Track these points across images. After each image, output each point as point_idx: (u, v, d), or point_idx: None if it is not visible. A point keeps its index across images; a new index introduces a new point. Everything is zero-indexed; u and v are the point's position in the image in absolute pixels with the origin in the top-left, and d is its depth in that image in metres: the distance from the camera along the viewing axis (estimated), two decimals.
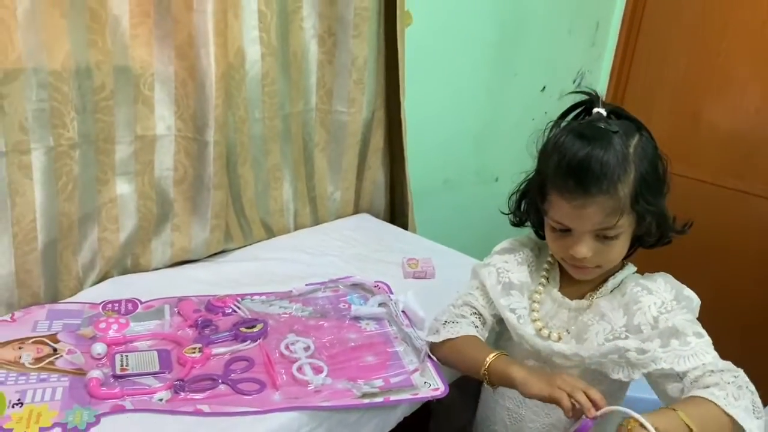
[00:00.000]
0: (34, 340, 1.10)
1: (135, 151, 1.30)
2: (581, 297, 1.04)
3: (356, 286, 1.34)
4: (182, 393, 0.99)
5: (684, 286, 1.01)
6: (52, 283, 1.23)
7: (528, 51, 2.21)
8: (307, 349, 1.11)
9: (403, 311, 1.23)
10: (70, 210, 1.21)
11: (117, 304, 1.22)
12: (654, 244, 1.03)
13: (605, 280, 1.03)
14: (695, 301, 0.99)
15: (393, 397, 1.03)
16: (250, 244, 1.53)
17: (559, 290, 1.06)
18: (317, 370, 1.06)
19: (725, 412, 0.87)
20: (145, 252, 1.37)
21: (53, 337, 1.11)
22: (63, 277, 1.25)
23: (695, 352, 0.94)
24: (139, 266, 1.37)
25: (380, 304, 1.25)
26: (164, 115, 1.31)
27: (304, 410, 0.98)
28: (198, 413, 0.96)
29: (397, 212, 1.83)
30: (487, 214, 2.30)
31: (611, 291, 1.03)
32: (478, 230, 2.31)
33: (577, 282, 1.04)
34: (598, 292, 1.03)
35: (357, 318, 1.22)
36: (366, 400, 1.01)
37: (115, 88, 1.23)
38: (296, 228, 1.65)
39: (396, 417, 1.10)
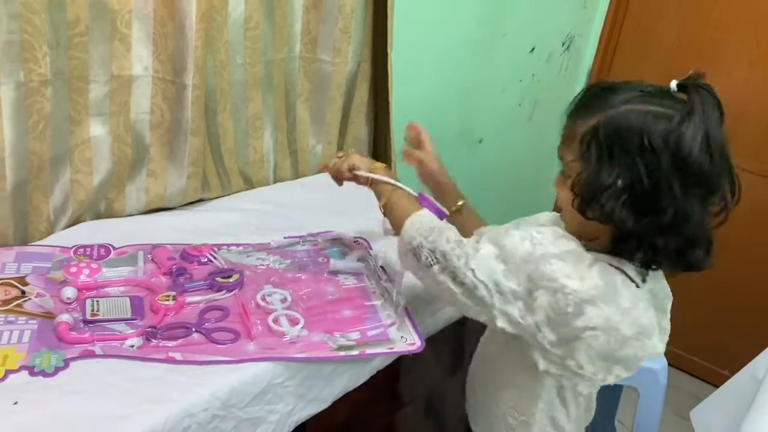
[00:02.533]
0: (1, 282, 1.07)
1: (110, 92, 1.25)
2: None
3: (335, 240, 1.32)
4: (154, 340, 0.97)
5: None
6: (22, 224, 1.19)
7: (518, 11, 2.16)
8: (283, 300, 1.10)
9: (381, 266, 1.21)
10: (41, 149, 1.17)
11: (89, 249, 1.18)
12: (626, 244, 0.90)
13: None
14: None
15: (369, 351, 1.02)
16: (227, 195, 1.50)
17: None
18: (293, 322, 1.05)
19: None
20: (119, 197, 1.33)
21: (22, 280, 1.08)
22: (33, 219, 1.21)
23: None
24: (113, 212, 1.33)
25: (359, 259, 1.24)
26: (141, 55, 1.26)
27: (279, 361, 0.97)
28: (170, 360, 0.94)
29: None
30: (471, 175, 2.30)
31: None
32: (462, 191, 2.30)
33: None
34: None
35: (335, 272, 1.20)
36: (341, 353, 1.00)
37: (91, 23, 1.18)
38: (276, 180, 1.62)
39: (370, 370, 1.10)
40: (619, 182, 0.85)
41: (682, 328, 2.43)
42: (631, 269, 0.91)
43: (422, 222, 0.98)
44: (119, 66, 1.24)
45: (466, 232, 0.99)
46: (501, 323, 0.91)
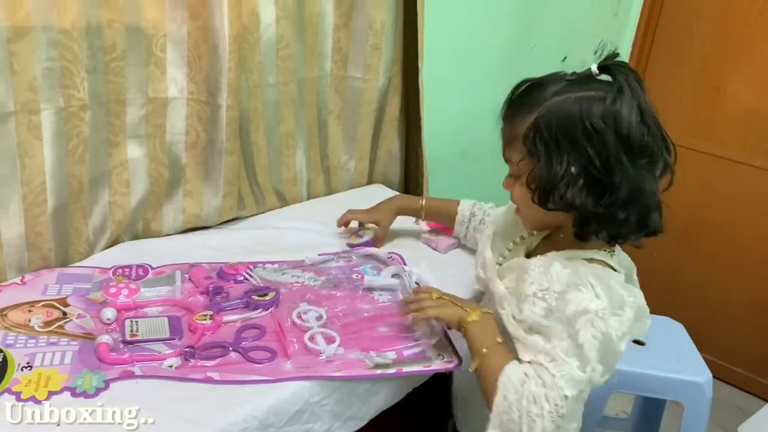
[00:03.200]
0: (43, 303, 1.09)
1: (146, 114, 1.27)
2: None
3: (370, 256, 1.32)
4: (192, 360, 0.98)
5: (597, 294, 0.89)
6: (63, 246, 1.22)
7: (549, 20, 2.15)
8: (319, 318, 1.10)
9: (416, 282, 1.20)
10: (80, 172, 1.19)
11: (128, 270, 1.20)
12: (586, 227, 0.92)
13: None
14: (587, 311, 0.87)
15: (405, 369, 1.01)
16: (262, 213, 1.51)
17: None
18: (329, 340, 1.04)
19: (498, 379, 0.88)
20: (156, 217, 1.35)
21: (63, 301, 1.10)
22: (73, 241, 1.23)
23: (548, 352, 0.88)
24: (150, 232, 1.35)
25: (394, 275, 1.23)
26: (176, 78, 1.28)
27: (316, 380, 0.97)
28: (208, 381, 0.95)
29: (411, 183, 1.80)
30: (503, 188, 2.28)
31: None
32: (495, 203, 2.28)
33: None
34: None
35: (370, 289, 1.20)
36: (378, 371, 1.00)
37: (127, 48, 1.20)
38: (309, 197, 1.62)
39: (406, 387, 1.09)
40: (573, 169, 0.89)
41: (726, 339, 2.37)
42: (606, 257, 0.95)
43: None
44: (155, 89, 1.26)
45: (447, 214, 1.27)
46: (569, 391, 0.86)
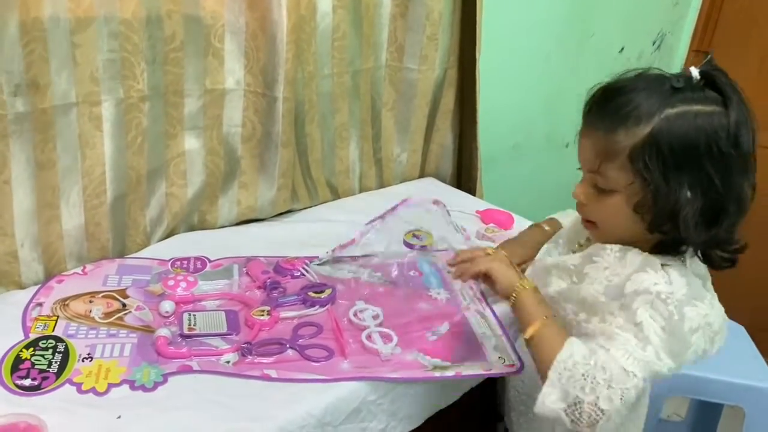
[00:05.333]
0: (104, 294, 1.10)
1: (204, 105, 1.26)
2: None
3: (426, 252, 1.29)
4: (249, 356, 0.98)
5: (668, 287, 0.84)
6: (120, 237, 1.22)
7: (607, 10, 2.08)
8: (376, 317, 1.08)
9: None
10: (138, 164, 1.20)
11: (186, 262, 1.20)
12: (673, 245, 0.88)
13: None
14: (669, 303, 0.83)
15: (465, 372, 0.99)
16: (315, 205, 1.50)
17: None
18: (386, 339, 1.03)
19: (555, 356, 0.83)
20: (212, 209, 1.34)
21: (122, 293, 1.11)
22: (131, 232, 1.24)
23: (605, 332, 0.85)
24: (206, 223, 1.35)
25: (450, 272, 1.20)
26: (234, 69, 1.27)
27: (373, 380, 0.95)
28: (265, 378, 0.94)
29: (464, 177, 1.76)
30: (558, 180, 2.22)
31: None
32: (547, 197, 2.23)
33: None
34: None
35: (427, 286, 1.18)
36: (437, 374, 0.98)
37: (186, 38, 1.19)
38: (361, 190, 1.61)
39: (462, 388, 1.07)
40: (690, 194, 0.82)
41: None
42: (680, 264, 0.88)
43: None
44: (212, 80, 1.25)
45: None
46: (630, 365, 0.82)
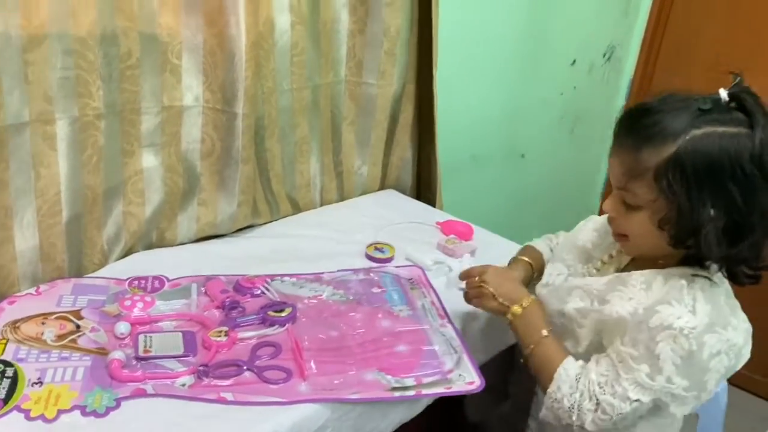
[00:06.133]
0: (57, 315, 1.08)
1: (161, 122, 1.25)
2: None
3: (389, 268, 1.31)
4: (206, 379, 0.97)
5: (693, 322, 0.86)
6: (77, 257, 1.20)
7: (559, 23, 2.12)
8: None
9: (436, 295, 1.20)
10: (95, 182, 1.18)
11: (143, 281, 1.19)
12: (698, 260, 0.92)
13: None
14: (691, 342, 0.86)
15: (425, 391, 1.00)
16: (276, 220, 1.50)
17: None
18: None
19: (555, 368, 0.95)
20: (171, 227, 1.33)
21: (77, 314, 1.09)
22: (87, 251, 1.22)
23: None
24: (165, 241, 1.34)
25: (413, 288, 1.23)
26: (192, 85, 1.26)
27: (333, 402, 0.96)
28: (221, 401, 0.93)
29: (423, 188, 1.78)
30: (514, 190, 2.26)
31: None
32: (505, 207, 2.26)
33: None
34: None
35: (390, 303, 1.18)
36: (397, 394, 0.98)
37: (142, 56, 1.18)
38: (322, 203, 1.61)
39: (422, 405, 1.07)
40: (714, 212, 0.85)
41: None
42: (707, 273, 0.92)
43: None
44: (170, 97, 1.25)
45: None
46: (634, 394, 0.89)
